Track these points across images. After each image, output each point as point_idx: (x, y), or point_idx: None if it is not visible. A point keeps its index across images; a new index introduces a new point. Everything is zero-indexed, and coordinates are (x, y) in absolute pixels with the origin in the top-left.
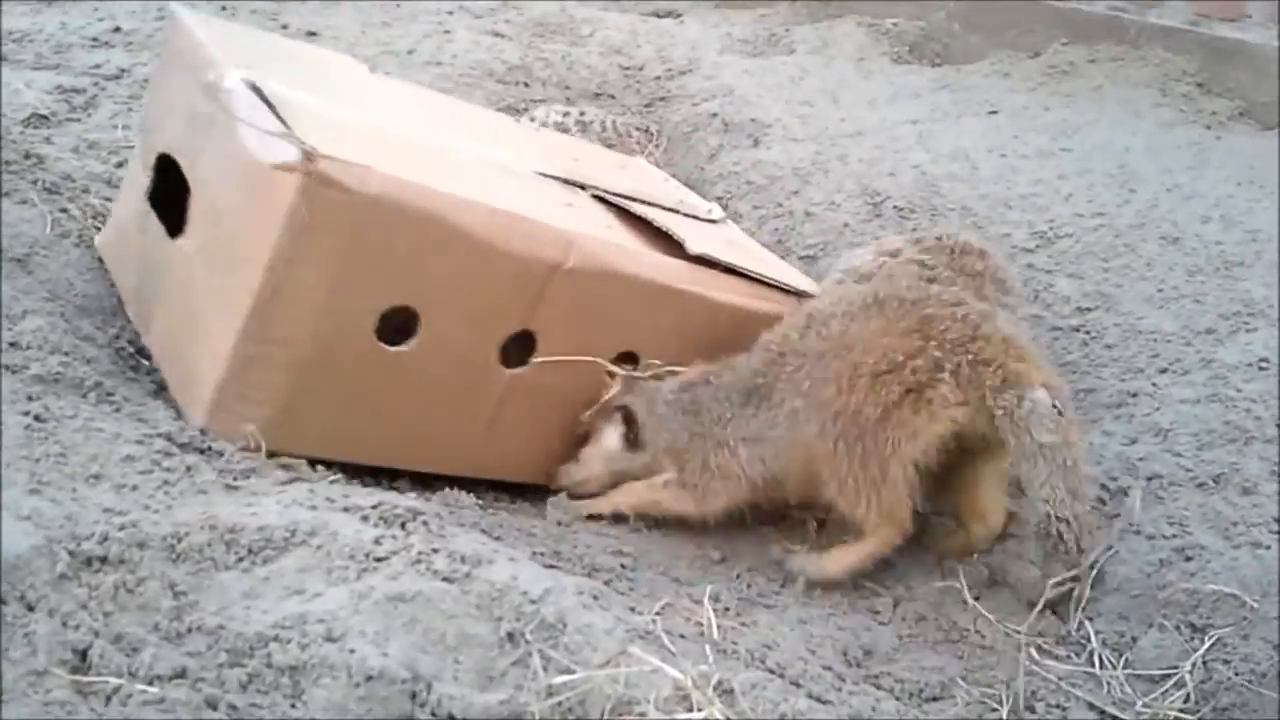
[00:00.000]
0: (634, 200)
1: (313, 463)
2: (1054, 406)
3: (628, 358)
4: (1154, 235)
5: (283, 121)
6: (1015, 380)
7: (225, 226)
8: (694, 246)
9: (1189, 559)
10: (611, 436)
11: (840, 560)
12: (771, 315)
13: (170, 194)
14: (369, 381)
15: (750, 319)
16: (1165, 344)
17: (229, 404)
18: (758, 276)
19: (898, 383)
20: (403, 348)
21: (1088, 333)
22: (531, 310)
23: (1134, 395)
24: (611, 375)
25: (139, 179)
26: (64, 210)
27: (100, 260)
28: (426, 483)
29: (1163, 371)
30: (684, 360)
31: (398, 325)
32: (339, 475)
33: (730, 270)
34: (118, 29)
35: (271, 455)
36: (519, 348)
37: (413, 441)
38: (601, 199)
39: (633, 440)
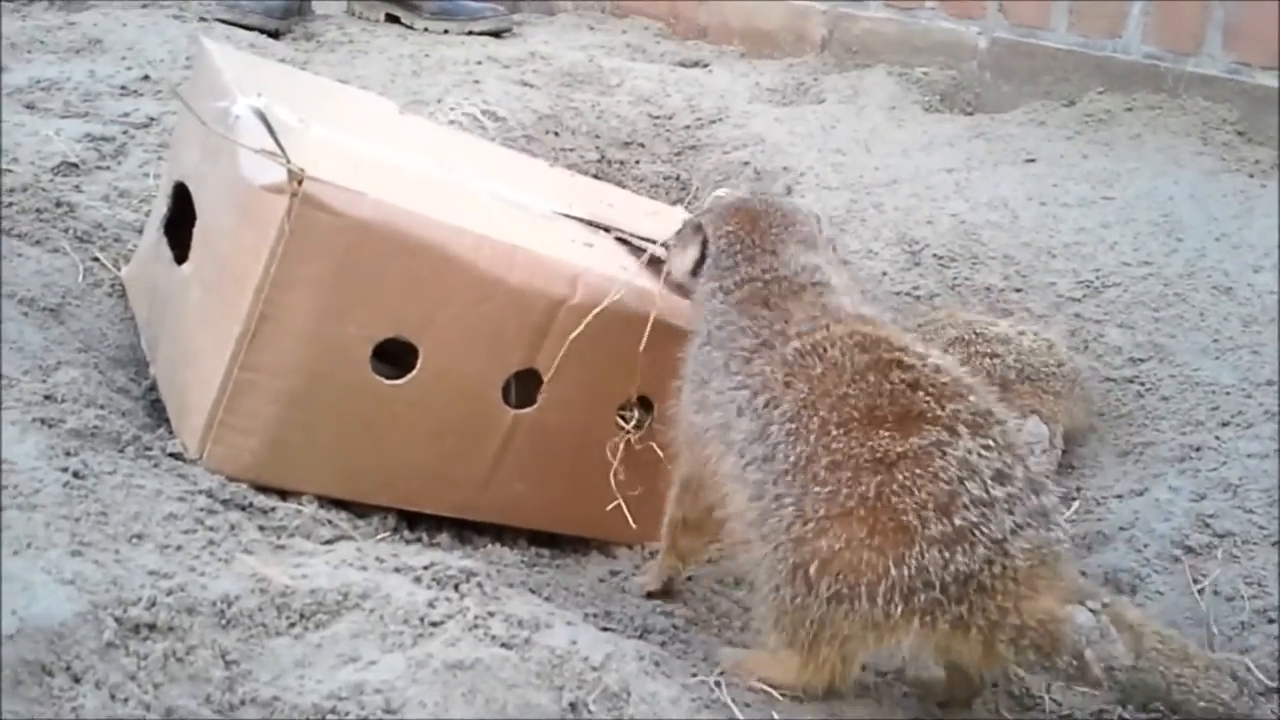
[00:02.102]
0: (654, 243)
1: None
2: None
3: (640, 400)
4: (1205, 285)
5: (280, 145)
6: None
7: (217, 249)
8: None
9: (1271, 621)
10: None
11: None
12: None
13: (188, 224)
14: (364, 415)
15: None
16: (1225, 396)
17: (221, 434)
18: None
19: None
20: (399, 381)
21: (1142, 384)
22: (536, 347)
23: (1197, 449)
24: (623, 420)
25: (159, 208)
26: (95, 259)
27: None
28: (465, 536)
29: (1225, 425)
30: None
31: (399, 358)
32: (383, 530)
33: None
34: (146, 77)
35: (264, 489)
36: (524, 387)
37: (411, 480)
38: (624, 241)
39: None
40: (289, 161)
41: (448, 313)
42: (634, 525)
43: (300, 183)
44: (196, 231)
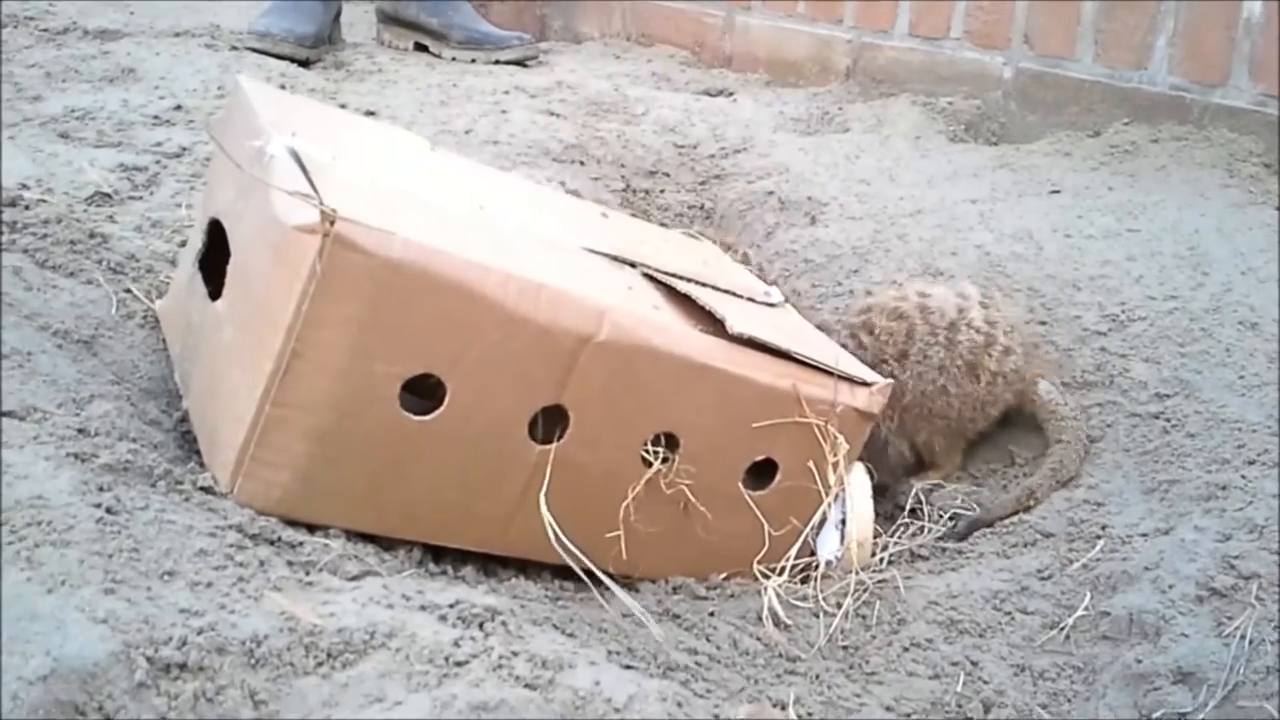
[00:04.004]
0: (681, 278)
1: (350, 534)
2: None
3: (667, 438)
4: (1231, 320)
5: (313, 185)
6: None
7: (251, 288)
8: (736, 326)
9: None
10: None
11: None
12: (817, 400)
13: (223, 260)
14: (392, 451)
15: (793, 403)
16: (1251, 434)
17: (252, 470)
18: (805, 359)
19: None
20: (427, 418)
21: (1168, 420)
22: (562, 384)
23: (1223, 488)
24: (651, 456)
25: (195, 243)
26: (128, 290)
27: (165, 341)
28: (489, 569)
29: (1251, 463)
30: (726, 443)
31: (425, 392)
32: (409, 563)
33: (777, 352)
34: (179, 107)
35: (293, 523)
36: (551, 423)
37: (438, 515)
38: (652, 277)
39: None
40: (321, 202)
41: (475, 350)
42: (624, 557)
43: (332, 223)
44: (230, 269)
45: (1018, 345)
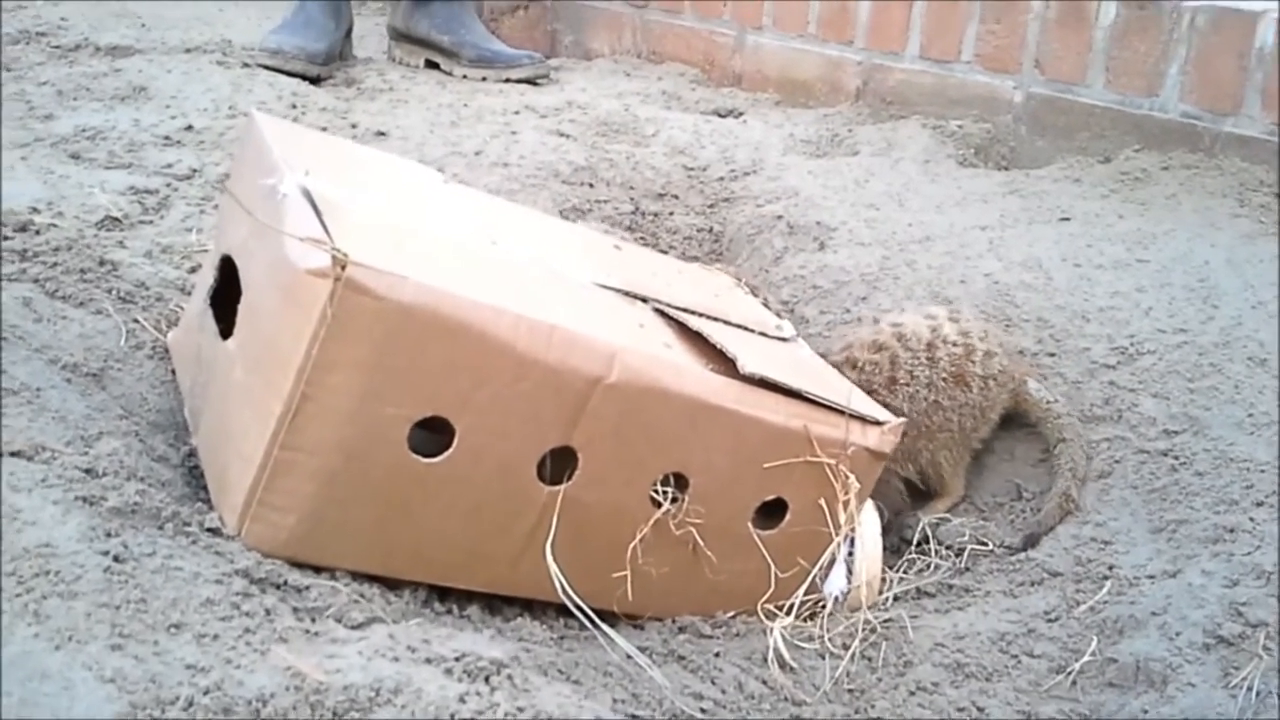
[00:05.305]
0: (693, 314)
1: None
2: None
3: (677, 478)
4: (1240, 355)
5: (324, 227)
6: None
7: (261, 329)
8: (747, 366)
9: None
10: None
11: None
12: (829, 440)
13: (234, 297)
14: (400, 493)
15: (805, 443)
16: (1259, 474)
17: (260, 513)
18: (817, 399)
19: None
20: (436, 460)
21: (1176, 457)
22: (572, 425)
23: (1231, 531)
24: (660, 497)
25: (206, 278)
26: (137, 320)
27: (173, 372)
28: (495, 607)
29: (1259, 505)
30: (736, 483)
31: (436, 425)
32: (414, 602)
33: (789, 392)
34: (190, 127)
35: (299, 564)
36: (560, 462)
37: (446, 556)
38: (664, 313)
39: None
40: (333, 245)
41: (485, 392)
42: (630, 598)
43: (344, 268)
44: (242, 308)
45: (997, 347)
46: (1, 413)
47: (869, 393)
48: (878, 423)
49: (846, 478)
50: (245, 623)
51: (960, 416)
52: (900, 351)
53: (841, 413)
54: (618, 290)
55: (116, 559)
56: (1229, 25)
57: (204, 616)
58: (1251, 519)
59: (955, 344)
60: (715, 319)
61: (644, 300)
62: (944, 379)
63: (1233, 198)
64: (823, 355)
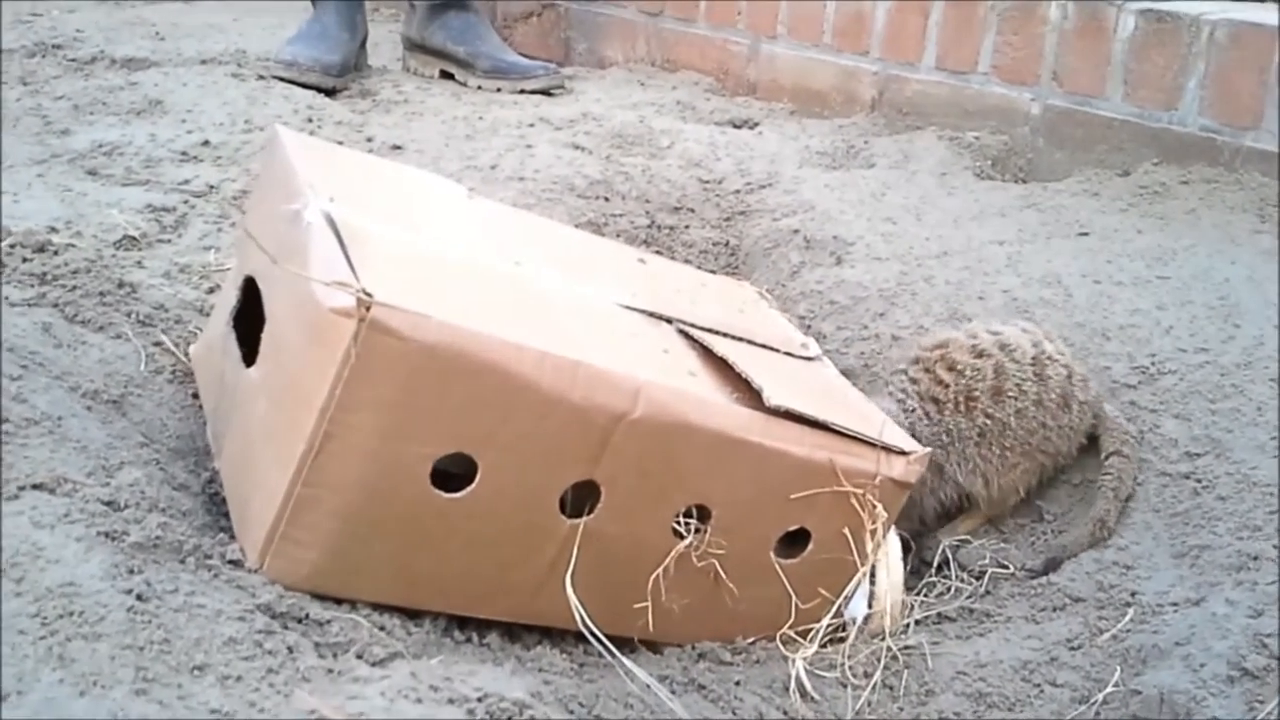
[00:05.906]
0: (719, 335)
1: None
2: None
3: (699, 510)
4: (1262, 376)
5: (349, 260)
6: None
7: (285, 364)
8: (772, 398)
9: None
10: None
11: None
12: (855, 471)
13: (256, 318)
14: (422, 528)
15: (830, 475)
16: None
17: (281, 548)
18: (843, 430)
19: None
20: (458, 495)
21: (1199, 480)
22: (595, 460)
23: (1254, 558)
24: (683, 529)
25: (229, 297)
26: (157, 344)
27: (194, 395)
28: (514, 635)
29: None
30: (759, 514)
31: (454, 467)
32: (434, 630)
33: (816, 423)
34: (206, 142)
35: (320, 596)
36: (581, 496)
37: (467, 587)
38: (688, 335)
39: None
40: (358, 282)
41: (509, 430)
42: (651, 629)
43: (369, 309)
44: (265, 338)
45: (1084, 370)
46: (23, 443)
47: (971, 399)
48: (904, 452)
49: (874, 507)
50: (268, 662)
51: (1059, 439)
52: (1006, 362)
53: (869, 443)
54: (642, 311)
55: (140, 598)
56: (1249, 39)
57: (227, 656)
58: (1275, 546)
59: (1061, 364)
60: (740, 339)
61: (669, 321)
62: (1053, 399)
63: (1253, 213)
64: (879, 352)
